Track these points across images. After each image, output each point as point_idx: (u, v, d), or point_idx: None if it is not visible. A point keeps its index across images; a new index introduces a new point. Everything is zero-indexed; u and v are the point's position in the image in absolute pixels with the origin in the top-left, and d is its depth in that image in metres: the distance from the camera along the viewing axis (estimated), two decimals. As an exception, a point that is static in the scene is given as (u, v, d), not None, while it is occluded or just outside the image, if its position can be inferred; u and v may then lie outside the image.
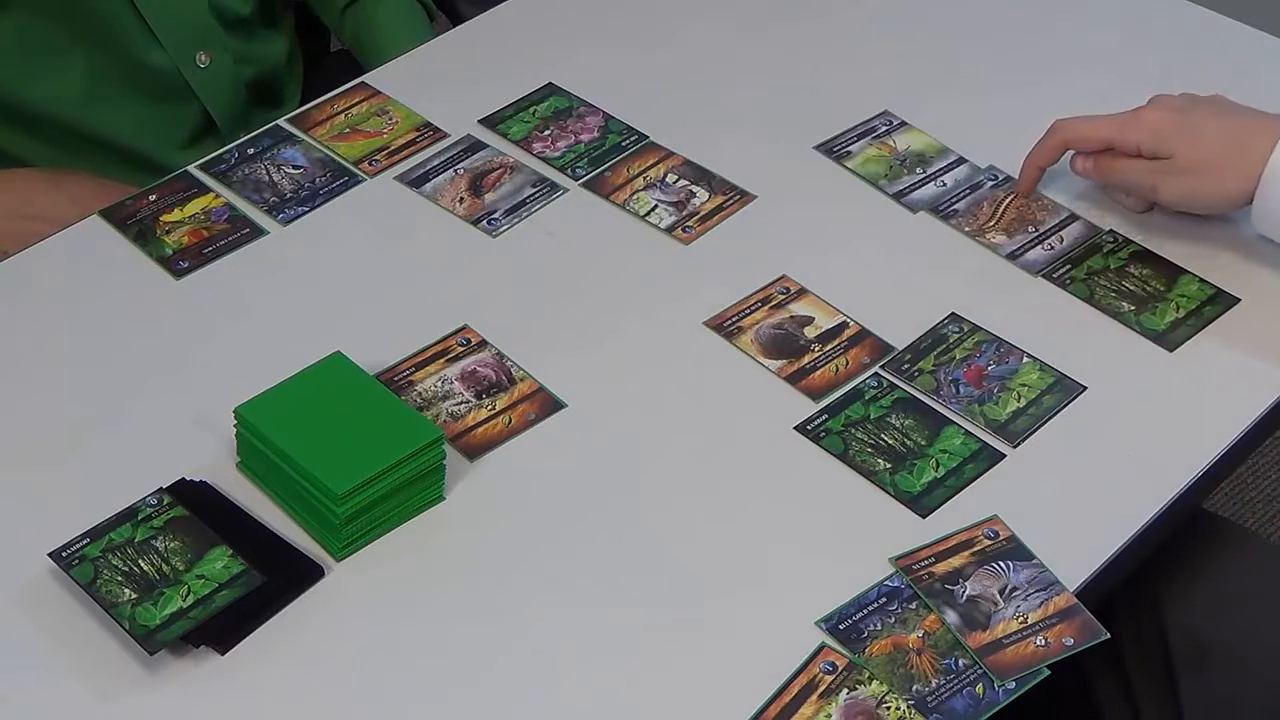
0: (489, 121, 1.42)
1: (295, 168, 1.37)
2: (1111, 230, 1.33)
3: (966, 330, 1.24)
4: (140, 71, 1.51)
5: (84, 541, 1.06)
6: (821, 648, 1.03)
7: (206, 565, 1.05)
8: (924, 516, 1.11)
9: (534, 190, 1.36)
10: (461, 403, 1.18)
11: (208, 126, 1.57)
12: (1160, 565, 1.24)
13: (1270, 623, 1.26)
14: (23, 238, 1.34)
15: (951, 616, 1.05)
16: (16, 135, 1.53)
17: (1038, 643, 1.03)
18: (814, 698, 1.00)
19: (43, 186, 1.48)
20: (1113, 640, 1.05)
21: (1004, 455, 1.15)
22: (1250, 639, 1.26)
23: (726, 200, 1.35)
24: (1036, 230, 1.33)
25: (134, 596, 1.03)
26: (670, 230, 1.32)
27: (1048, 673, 1.02)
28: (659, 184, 1.36)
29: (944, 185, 1.37)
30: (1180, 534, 1.17)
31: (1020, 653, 1.03)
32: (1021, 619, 1.05)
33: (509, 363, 1.21)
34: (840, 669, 1.02)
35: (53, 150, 1.52)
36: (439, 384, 1.19)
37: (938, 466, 1.14)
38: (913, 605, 1.05)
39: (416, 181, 1.36)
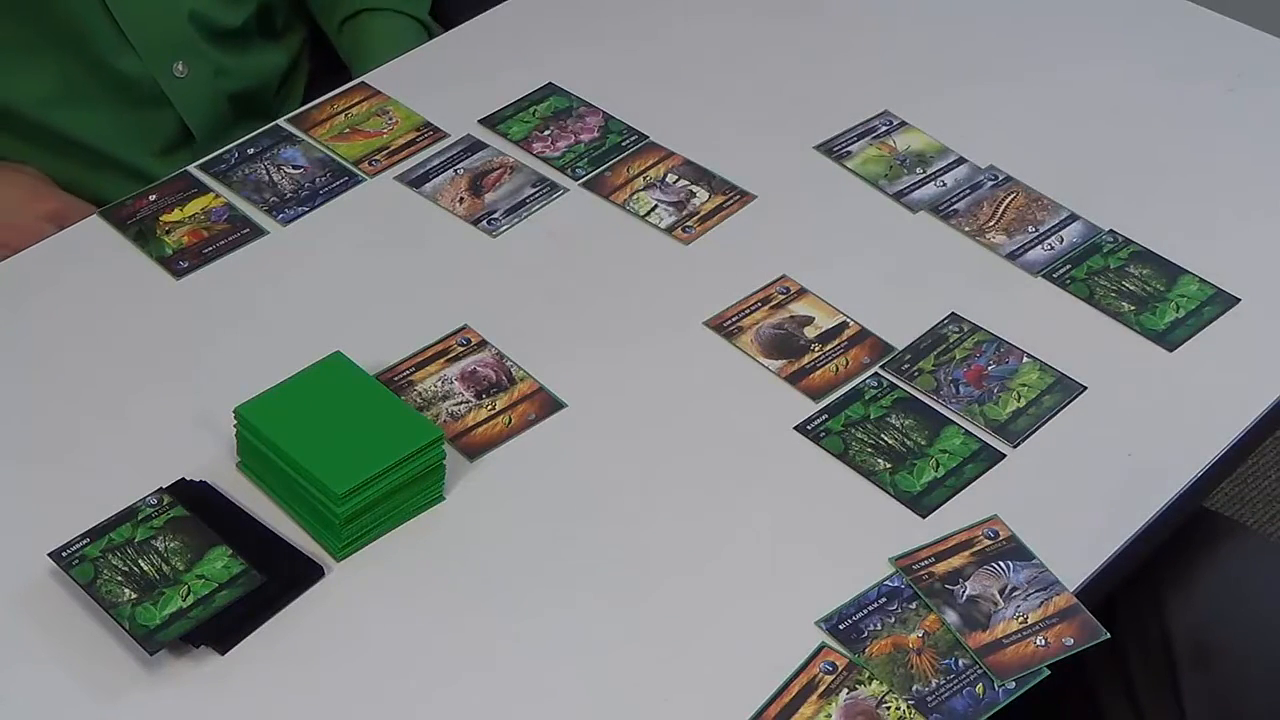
0: (489, 121, 1.42)
1: (295, 168, 1.37)
2: (1111, 230, 1.33)
3: (966, 330, 1.24)
4: (113, 77, 1.49)
5: (84, 541, 1.06)
6: (821, 648, 1.03)
7: (206, 565, 1.05)
8: (924, 516, 1.11)
9: (534, 190, 1.36)
10: (461, 403, 1.18)
11: (185, 136, 1.55)
12: (1162, 564, 1.24)
13: (1272, 621, 1.26)
14: None
15: (951, 616, 1.05)
16: None
17: (1038, 643, 1.03)
18: (814, 698, 1.00)
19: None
20: (1114, 639, 1.05)
21: (1004, 455, 1.15)
22: (1252, 637, 1.26)
23: (726, 200, 1.35)
24: (1036, 230, 1.33)
25: (134, 596, 1.03)
26: (670, 230, 1.32)
27: (1048, 673, 1.02)
28: (659, 184, 1.36)
29: (944, 185, 1.37)
30: (1181, 533, 1.17)
31: (1020, 653, 1.03)
32: (1021, 619, 1.05)
33: (509, 363, 1.21)
34: (840, 669, 1.02)
35: (22, 145, 1.50)
36: (439, 384, 1.19)
37: (938, 466, 1.14)
38: (913, 605, 1.05)
39: (416, 181, 1.36)
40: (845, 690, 1.01)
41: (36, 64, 1.47)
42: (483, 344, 1.22)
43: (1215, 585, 1.28)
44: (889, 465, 1.14)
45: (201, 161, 1.37)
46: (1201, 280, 1.29)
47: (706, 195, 1.35)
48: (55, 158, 1.50)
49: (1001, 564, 1.08)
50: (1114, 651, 1.15)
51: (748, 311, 1.25)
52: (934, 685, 1.01)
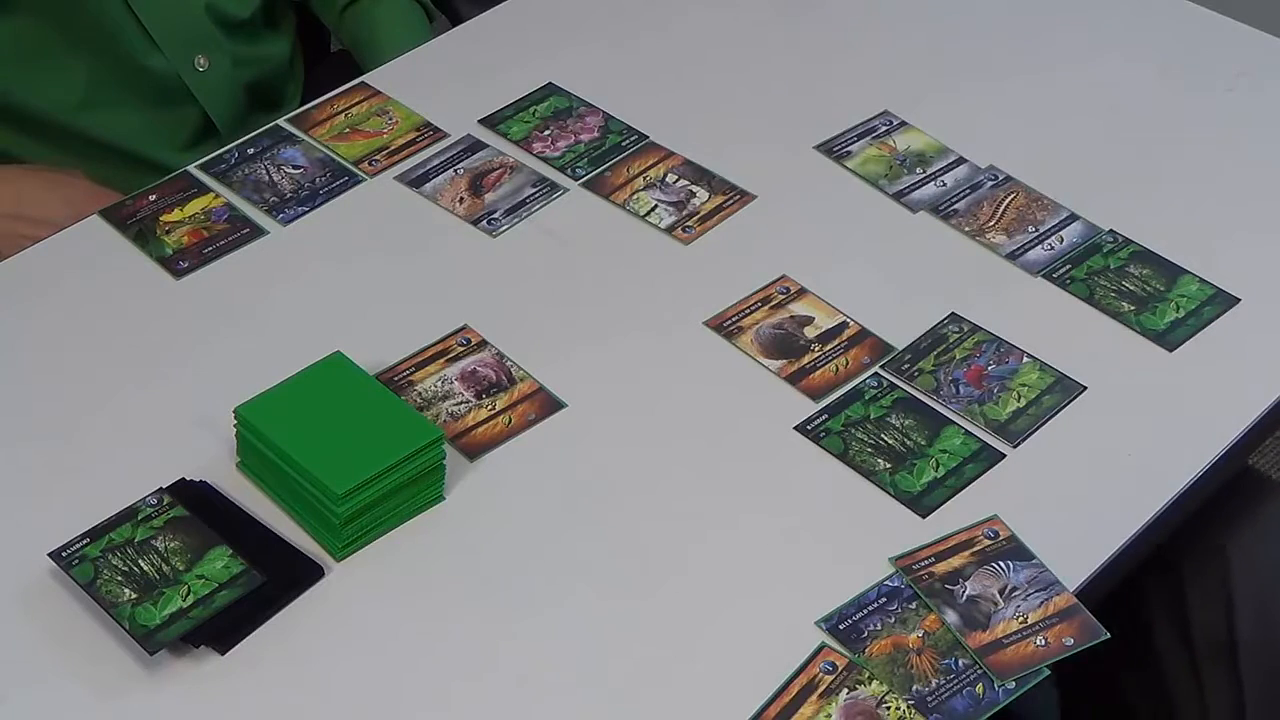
0: (489, 121, 1.42)
1: (295, 168, 1.37)
2: (1111, 230, 1.33)
3: (966, 330, 1.24)
4: (139, 76, 1.51)
5: (84, 541, 1.06)
6: (821, 648, 1.03)
7: (206, 565, 1.05)
8: (924, 516, 1.11)
9: (534, 190, 1.36)
10: (461, 403, 1.18)
11: (208, 129, 1.57)
12: (1224, 523, 1.24)
13: None
14: (13, 239, 1.35)
15: (951, 616, 1.05)
16: (17, 137, 1.53)
17: (1038, 642, 1.03)
18: (814, 698, 1.00)
19: (36, 187, 1.48)
20: (1178, 601, 1.04)
21: (1004, 455, 1.15)
22: None
23: (726, 200, 1.35)
24: (1036, 230, 1.33)
25: (134, 596, 1.03)
26: (670, 230, 1.32)
27: (1048, 672, 1.02)
28: (659, 184, 1.36)
29: (944, 185, 1.37)
30: (1243, 493, 1.17)
31: (1020, 652, 1.03)
32: (1021, 619, 1.05)
33: (509, 363, 1.21)
34: (840, 669, 1.02)
35: (53, 152, 1.52)
36: (439, 384, 1.19)
37: (938, 466, 1.14)
38: (913, 605, 1.05)
39: (416, 181, 1.36)
40: (845, 690, 1.01)
41: (65, 69, 1.49)
42: (483, 344, 1.22)
43: (1277, 546, 1.28)
44: (889, 465, 1.14)
45: (202, 161, 1.37)
46: (1201, 280, 1.29)
47: (706, 195, 1.35)
48: (84, 160, 1.52)
49: (1001, 564, 1.08)
50: (1178, 610, 1.15)
51: (748, 311, 1.25)
52: (934, 685, 1.01)
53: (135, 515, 1.08)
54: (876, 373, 1.21)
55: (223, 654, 1.02)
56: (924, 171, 1.38)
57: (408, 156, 1.39)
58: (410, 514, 1.10)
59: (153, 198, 1.34)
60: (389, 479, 1.08)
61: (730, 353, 1.23)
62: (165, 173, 1.39)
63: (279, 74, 1.64)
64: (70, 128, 1.51)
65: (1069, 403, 1.19)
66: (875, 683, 1.01)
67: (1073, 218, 1.34)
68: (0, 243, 1.37)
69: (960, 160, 1.39)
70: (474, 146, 1.40)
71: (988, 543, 1.09)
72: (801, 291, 1.27)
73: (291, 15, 1.69)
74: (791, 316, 1.25)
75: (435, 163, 1.38)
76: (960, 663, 1.02)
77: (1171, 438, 1.17)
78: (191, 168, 1.37)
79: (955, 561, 1.08)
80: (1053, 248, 1.31)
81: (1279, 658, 1.23)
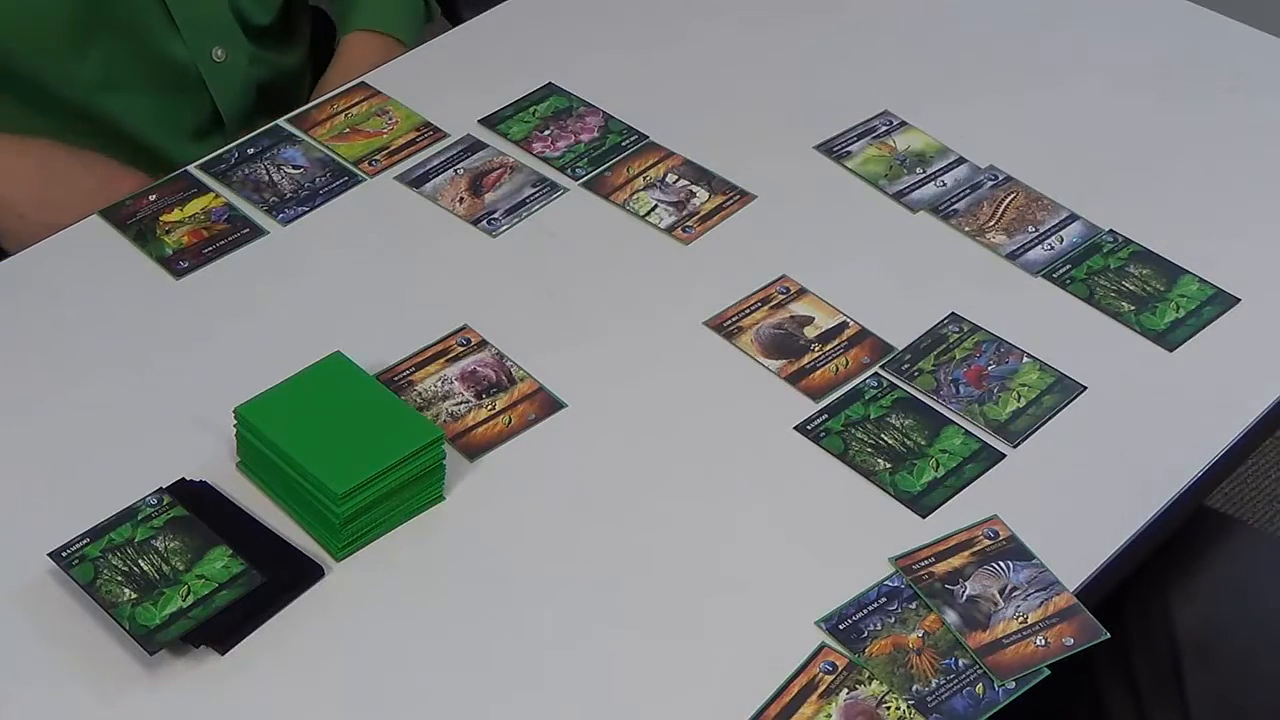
0: (489, 121, 1.42)
1: (295, 168, 1.37)
2: (1111, 230, 1.33)
3: (966, 330, 1.24)
4: (158, 62, 1.52)
5: (84, 541, 1.06)
6: (821, 648, 1.03)
7: (206, 565, 1.05)
8: (924, 516, 1.11)
9: (534, 190, 1.36)
10: (461, 403, 1.18)
11: (215, 122, 1.58)
12: (1165, 562, 1.24)
13: (1276, 618, 1.26)
14: (44, 205, 1.36)
15: (951, 616, 1.05)
16: (28, 113, 1.52)
17: (1038, 643, 1.03)
18: (814, 698, 1.00)
19: (61, 152, 1.49)
20: (1119, 637, 1.05)
21: (1004, 455, 1.15)
22: (1256, 634, 1.26)
23: (726, 200, 1.35)
24: (1036, 230, 1.33)
25: (134, 596, 1.03)
26: (670, 230, 1.32)
27: (1048, 673, 1.02)
28: (659, 184, 1.36)
29: (944, 185, 1.37)
30: (1184, 531, 1.17)
31: (1020, 653, 1.03)
32: (1021, 619, 1.05)
33: (509, 363, 1.21)
34: (840, 669, 1.02)
35: (62, 131, 1.52)
36: (439, 384, 1.19)
37: (938, 466, 1.14)
38: (913, 605, 1.05)
39: (416, 181, 1.36)
40: (845, 690, 1.01)
41: (85, 50, 1.50)
42: (483, 344, 1.22)
43: (1219, 583, 1.28)
44: (889, 465, 1.14)
45: (202, 161, 1.37)
46: (1201, 280, 1.29)
47: (706, 195, 1.35)
48: (89, 142, 1.52)
49: (1001, 564, 1.08)
50: (1118, 649, 1.15)
51: (748, 311, 1.25)
52: (934, 685, 1.01)
53: (135, 515, 1.08)
54: (876, 373, 1.21)
55: (223, 654, 1.02)
56: (924, 171, 1.38)
57: (408, 156, 1.39)
58: (410, 514, 1.10)
59: (153, 198, 1.34)
60: (389, 479, 1.08)
61: (730, 353, 1.23)
62: (166, 163, 1.39)
63: (290, 82, 1.65)
64: (84, 109, 1.51)
65: (1069, 403, 1.19)
66: (875, 683, 1.01)
67: (1073, 218, 1.34)
68: (31, 207, 1.38)
69: (960, 160, 1.39)
70: (474, 146, 1.40)
71: (988, 543, 1.09)
72: (801, 291, 1.27)
73: (307, 30, 1.69)
74: (791, 316, 1.25)
75: (435, 163, 1.38)
76: (960, 663, 1.02)
77: (1171, 438, 1.17)
78: (191, 167, 1.37)
79: (955, 561, 1.08)
80: (1053, 248, 1.31)
81: (1225, 702, 1.23)
